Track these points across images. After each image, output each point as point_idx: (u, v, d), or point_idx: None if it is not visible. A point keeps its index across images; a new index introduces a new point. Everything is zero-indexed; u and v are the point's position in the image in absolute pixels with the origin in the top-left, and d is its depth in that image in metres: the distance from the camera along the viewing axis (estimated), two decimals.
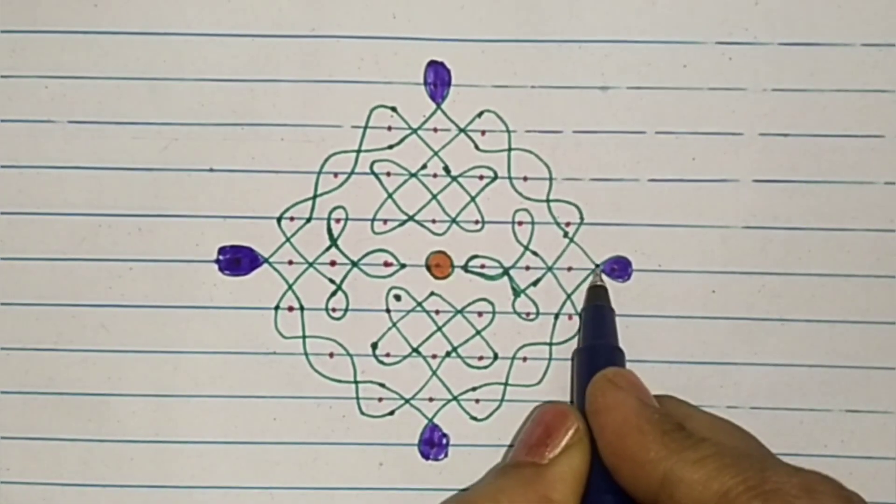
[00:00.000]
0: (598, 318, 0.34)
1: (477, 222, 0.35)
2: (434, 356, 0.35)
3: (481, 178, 0.35)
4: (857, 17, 0.34)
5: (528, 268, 0.35)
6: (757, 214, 0.35)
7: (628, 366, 0.33)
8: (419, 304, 0.35)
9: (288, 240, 0.35)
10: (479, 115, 0.35)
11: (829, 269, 0.35)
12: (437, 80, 0.35)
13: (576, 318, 0.35)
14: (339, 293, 0.35)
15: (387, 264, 0.35)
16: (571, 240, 0.35)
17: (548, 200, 0.35)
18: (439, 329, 0.35)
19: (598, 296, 0.34)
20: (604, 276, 0.34)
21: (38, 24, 0.34)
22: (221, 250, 0.35)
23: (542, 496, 0.29)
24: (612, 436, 0.29)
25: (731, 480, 0.26)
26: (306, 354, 0.35)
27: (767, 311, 0.35)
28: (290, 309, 0.35)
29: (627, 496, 0.29)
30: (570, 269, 0.35)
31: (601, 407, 0.30)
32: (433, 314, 0.35)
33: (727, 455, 0.27)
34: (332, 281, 0.35)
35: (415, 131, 0.35)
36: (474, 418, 0.35)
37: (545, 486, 0.29)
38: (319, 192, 0.35)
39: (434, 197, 0.35)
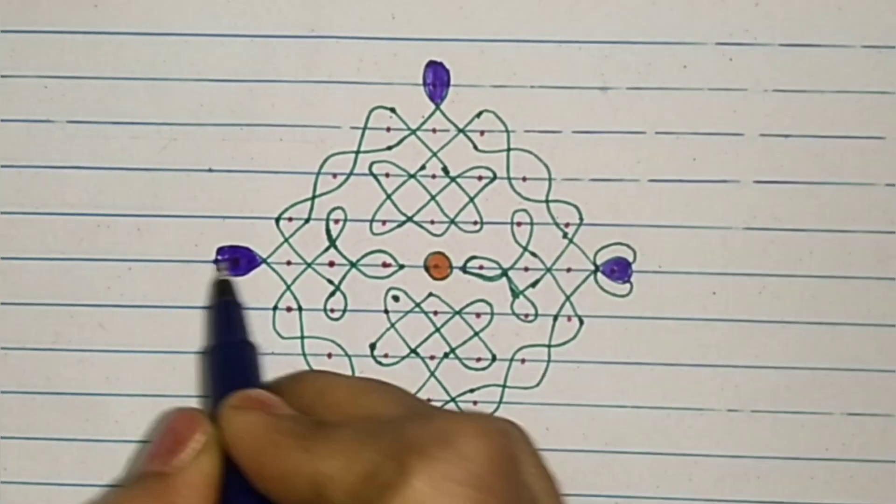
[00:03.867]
0: (223, 313, 0.33)
1: (476, 223, 0.35)
2: (432, 357, 0.35)
3: (480, 178, 0.35)
4: (857, 18, 0.34)
5: (526, 269, 0.35)
6: (757, 215, 0.35)
7: (629, 371, 0.33)
8: (417, 304, 0.35)
9: (286, 240, 0.35)
10: (478, 115, 0.35)
11: (830, 271, 0.35)
12: (437, 80, 0.35)
13: (575, 320, 0.35)
14: (338, 294, 0.35)
15: (385, 265, 0.35)
16: (571, 241, 0.35)
17: (547, 201, 0.35)
18: (437, 330, 0.35)
19: (223, 291, 0.33)
20: (226, 272, 0.34)
21: (37, 24, 0.34)
22: (220, 250, 0.35)
23: None
24: (251, 462, 0.28)
25: (372, 456, 0.25)
26: (304, 355, 0.35)
27: (768, 313, 0.35)
28: (289, 309, 0.35)
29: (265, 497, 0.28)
30: (569, 270, 0.35)
31: (232, 437, 0.28)
32: (431, 315, 0.35)
33: (365, 431, 0.26)
34: (330, 281, 0.35)
35: (413, 132, 0.35)
36: None
37: (170, 495, 0.28)
38: (318, 192, 0.35)
39: (433, 198, 0.35)
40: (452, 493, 0.24)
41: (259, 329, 0.35)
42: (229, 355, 0.32)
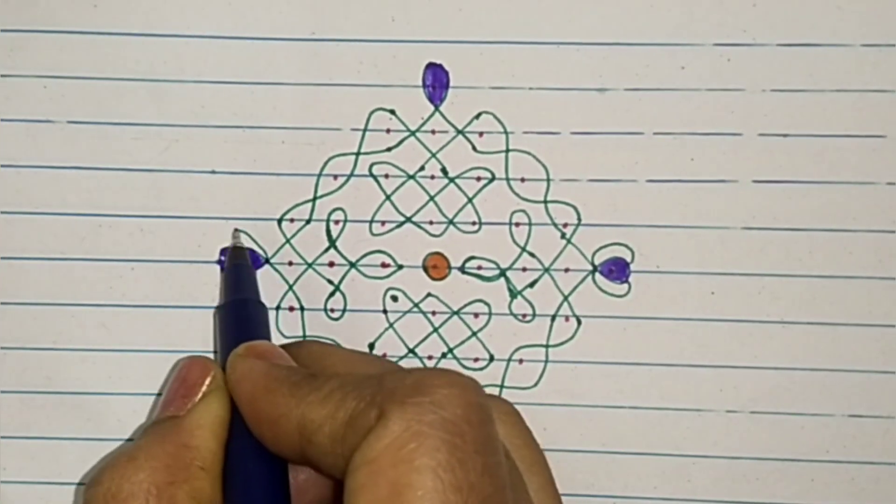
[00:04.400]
0: (235, 275, 0.34)
1: (474, 223, 0.35)
2: (430, 357, 0.35)
3: (479, 179, 0.35)
4: (856, 17, 0.34)
5: (524, 269, 0.35)
6: (756, 215, 0.34)
7: (627, 371, 0.33)
8: (416, 304, 0.35)
9: (288, 241, 0.35)
10: (477, 116, 0.35)
11: (830, 271, 0.34)
12: (436, 82, 0.35)
13: (573, 320, 0.35)
14: (338, 294, 0.35)
15: (384, 265, 0.35)
16: (569, 241, 0.35)
17: (545, 201, 0.35)
18: (436, 330, 0.35)
19: (236, 256, 0.34)
20: (242, 238, 0.35)
21: (37, 24, 0.34)
22: (223, 251, 0.35)
23: (180, 445, 0.29)
24: (247, 405, 0.29)
25: (353, 402, 0.26)
26: None
27: (767, 314, 0.35)
28: (291, 309, 0.35)
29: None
30: (567, 270, 0.35)
31: (234, 382, 0.30)
32: (430, 315, 0.35)
33: (349, 383, 0.27)
34: (330, 282, 0.35)
35: (413, 133, 0.35)
36: None
37: (183, 435, 0.29)
38: (319, 194, 0.35)
39: (432, 198, 0.35)
40: (425, 435, 0.24)
41: None
42: (240, 312, 0.33)
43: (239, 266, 0.34)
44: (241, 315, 0.33)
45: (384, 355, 0.35)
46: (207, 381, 0.30)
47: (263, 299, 0.35)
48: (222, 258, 0.35)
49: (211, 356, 0.35)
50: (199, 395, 0.30)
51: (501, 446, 0.26)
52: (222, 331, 0.33)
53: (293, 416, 0.27)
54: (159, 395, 0.35)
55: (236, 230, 0.35)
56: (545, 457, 0.31)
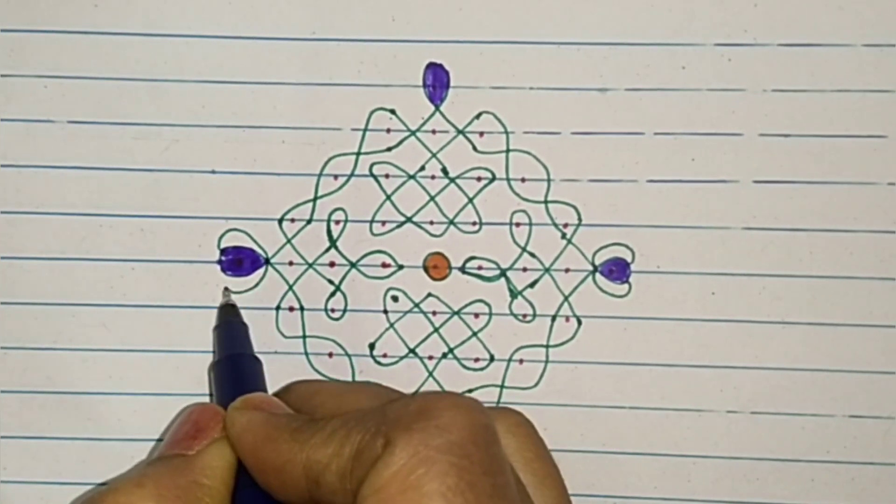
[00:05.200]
0: (227, 331, 0.34)
1: (474, 223, 0.35)
2: (431, 357, 0.35)
3: (479, 179, 0.35)
4: (857, 17, 0.34)
5: (525, 269, 0.35)
6: (757, 215, 0.34)
7: (627, 372, 0.33)
8: (416, 305, 0.35)
9: (289, 241, 0.35)
10: (478, 116, 0.35)
11: (831, 271, 0.34)
12: (436, 81, 0.35)
13: (573, 320, 0.35)
14: (338, 294, 0.35)
15: (385, 265, 0.35)
16: (569, 241, 0.35)
17: (546, 202, 0.35)
18: (436, 330, 0.35)
19: (229, 313, 0.35)
20: (233, 296, 0.35)
21: (37, 24, 0.34)
22: (224, 251, 0.35)
23: (192, 481, 0.28)
24: (250, 457, 0.29)
25: (357, 436, 0.26)
26: (307, 354, 0.35)
27: (768, 314, 0.35)
28: (291, 309, 0.35)
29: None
30: (567, 270, 0.35)
31: (234, 437, 0.29)
32: (430, 315, 0.35)
33: (352, 419, 0.27)
34: (331, 282, 0.35)
35: (413, 133, 0.35)
36: None
37: (194, 472, 0.29)
38: (320, 194, 0.35)
39: (432, 198, 0.35)
40: (432, 460, 0.24)
41: (262, 328, 0.35)
42: (234, 367, 0.33)
43: (231, 323, 0.34)
44: (236, 370, 0.33)
45: (384, 355, 0.35)
46: (219, 428, 0.30)
47: (263, 301, 0.35)
48: (222, 258, 0.35)
49: (208, 355, 0.35)
50: (210, 438, 0.30)
51: (509, 465, 0.26)
52: (219, 386, 0.33)
53: (298, 460, 0.27)
54: (161, 394, 0.35)
55: (226, 289, 0.35)
56: (558, 469, 0.31)
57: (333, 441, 0.27)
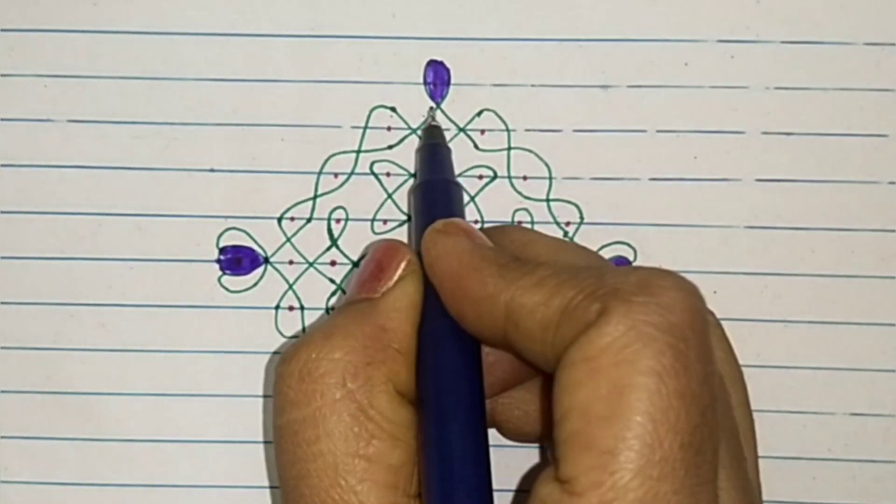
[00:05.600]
0: (432, 154, 0.33)
1: (476, 222, 0.35)
2: None
3: (481, 177, 0.35)
4: (860, 15, 0.34)
5: None
6: (759, 214, 0.34)
7: None
8: None
9: (288, 240, 0.35)
10: (479, 114, 0.35)
11: (833, 270, 0.34)
12: (437, 79, 0.35)
13: None
14: (340, 293, 0.35)
15: None
16: (571, 239, 0.35)
17: (547, 200, 0.35)
18: None
19: (432, 135, 0.34)
20: (437, 116, 0.34)
21: (37, 24, 0.34)
22: (222, 250, 0.35)
23: (377, 326, 0.28)
24: (450, 283, 0.28)
25: (570, 292, 0.25)
26: None
27: (770, 313, 0.35)
28: (291, 308, 0.35)
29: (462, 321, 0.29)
30: None
31: (434, 258, 0.29)
32: None
33: (564, 271, 0.26)
34: (332, 281, 0.35)
35: (414, 131, 0.35)
36: None
37: (380, 317, 0.28)
38: (320, 192, 0.35)
39: None
40: (649, 337, 0.24)
41: (262, 328, 0.35)
42: (435, 192, 0.32)
43: (435, 145, 0.33)
44: (439, 194, 0.32)
45: None
46: (403, 265, 0.29)
47: (263, 300, 0.35)
48: (221, 257, 0.35)
49: (207, 354, 0.35)
50: (395, 278, 0.29)
51: (715, 357, 0.26)
52: (419, 210, 0.32)
53: (501, 297, 0.27)
54: (160, 394, 0.35)
55: (431, 108, 0.34)
56: (743, 375, 0.30)
57: (543, 289, 0.26)
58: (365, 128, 0.35)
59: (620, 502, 0.23)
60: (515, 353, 0.28)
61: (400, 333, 0.28)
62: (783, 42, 0.34)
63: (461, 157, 0.35)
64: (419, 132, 0.35)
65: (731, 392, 0.29)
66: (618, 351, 0.24)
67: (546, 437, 0.31)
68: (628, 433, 0.23)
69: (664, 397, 0.23)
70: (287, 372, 0.28)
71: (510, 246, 0.30)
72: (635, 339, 0.24)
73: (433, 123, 0.34)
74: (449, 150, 0.34)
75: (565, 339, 0.25)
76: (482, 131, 0.35)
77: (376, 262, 0.30)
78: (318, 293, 0.35)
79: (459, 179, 0.35)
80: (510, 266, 0.27)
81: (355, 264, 0.35)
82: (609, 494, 0.23)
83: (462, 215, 0.32)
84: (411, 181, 0.35)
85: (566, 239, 0.34)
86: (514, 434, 0.31)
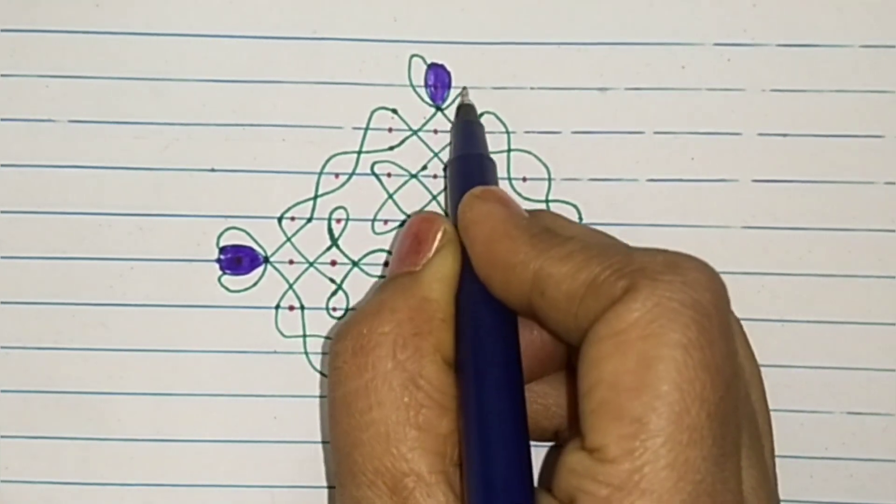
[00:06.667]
0: (467, 131, 0.34)
1: None
2: None
3: None
4: (855, 17, 0.34)
5: None
6: (756, 215, 0.35)
7: None
8: None
9: (289, 239, 0.35)
10: (479, 116, 0.35)
11: (830, 270, 0.35)
12: (438, 82, 0.35)
13: None
14: (340, 293, 0.35)
15: (387, 264, 0.35)
16: None
17: (547, 201, 0.35)
18: None
19: (467, 113, 0.34)
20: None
21: (38, 24, 0.34)
22: (223, 250, 0.35)
23: (421, 298, 0.29)
24: (481, 246, 0.29)
25: (597, 267, 0.26)
26: (307, 353, 0.35)
27: (767, 312, 0.35)
28: (291, 308, 0.35)
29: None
30: None
31: (469, 221, 0.30)
32: None
33: (594, 247, 0.27)
34: (332, 280, 0.35)
35: (415, 133, 0.35)
36: None
37: (422, 289, 0.29)
38: (320, 192, 0.35)
39: (434, 198, 0.35)
40: (676, 312, 0.25)
41: (261, 328, 0.35)
42: (470, 165, 0.33)
43: (470, 122, 0.34)
44: (474, 167, 0.33)
45: None
46: (439, 236, 0.30)
47: (263, 300, 0.35)
48: (221, 257, 0.35)
49: (207, 354, 0.35)
50: (433, 249, 0.30)
51: (732, 336, 0.26)
52: (454, 182, 0.33)
53: (531, 265, 0.27)
54: (161, 394, 0.35)
55: (465, 88, 0.35)
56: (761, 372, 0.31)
57: (571, 261, 0.27)
58: (366, 129, 0.35)
59: (651, 467, 0.24)
60: (539, 322, 0.29)
61: (443, 303, 0.29)
62: (779, 45, 0.34)
63: None
64: (454, 108, 0.35)
65: (751, 387, 0.29)
66: (645, 325, 0.25)
67: (565, 430, 0.32)
68: (657, 402, 0.24)
69: (690, 368, 0.24)
70: (341, 349, 0.29)
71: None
72: (661, 315, 0.25)
73: (466, 101, 0.35)
74: (482, 126, 0.34)
75: (590, 313, 0.26)
76: None
77: (413, 235, 0.31)
78: (318, 293, 0.35)
79: None
80: (542, 236, 0.28)
81: (355, 264, 0.35)
82: (640, 460, 0.24)
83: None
84: (412, 182, 0.35)
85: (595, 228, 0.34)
86: (532, 429, 0.32)
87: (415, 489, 0.27)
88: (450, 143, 0.35)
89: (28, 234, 0.35)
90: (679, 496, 0.24)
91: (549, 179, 0.35)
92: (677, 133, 0.35)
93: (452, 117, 0.35)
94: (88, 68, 0.35)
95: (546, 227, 0.29)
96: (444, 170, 0.35)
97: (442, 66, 0.35)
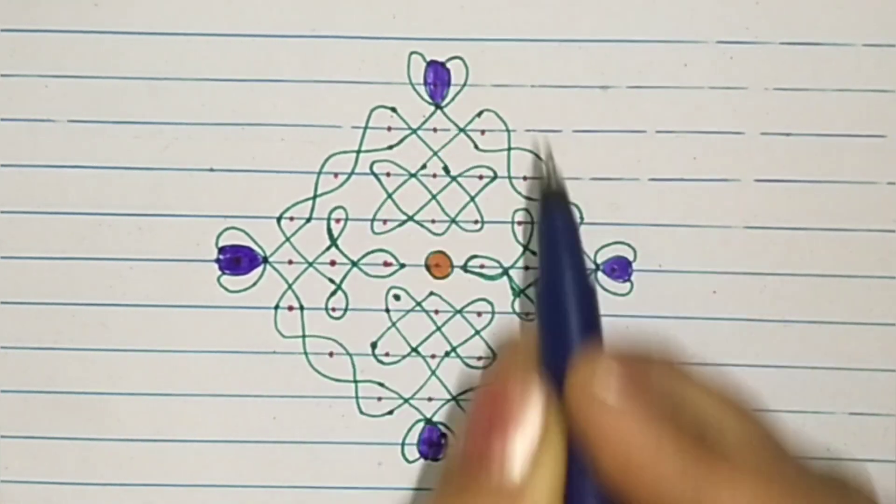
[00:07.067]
0: (560, 240, 0.27)
1: (476, 222, 0.35)
2: (433, 356, 0.35)
3: (481, 177, 0.35)
4: (858, 16, 0.34)
5: (527, 268, 0.35)
6: (758, 214, 0.35)
7: None
8: (418, 303, 0.35)
9: (288, 239, 0.35)
10: (479, 114, 0.35)
11: (832, 270, 0.35)
12: (437, 80, 0.35)
13: None
14: (339, 293, 0.35)
15: (386, 264, 0.35)
16: None
17: None
18: (438, 329, 0.35)
19: (557, 206, 0.27)
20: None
21: (38, 24, 0.34)
22: (222, 250, 0.35)
23: None
24: (615, 473, 0.24)
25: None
26: (306, 354, 0.35)
27: (769, 312, 0.35)
28: (290, 308, 0.35)
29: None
30: None
31: (592, 435, 0.24)
32: (432, 314, 0.35)
33: (763, 474, 0.23)
34: (331, 280, 0.35)
35: (414, 131, 0.35)
36: None
37: None
38: (319, 192, 0.35)
39: (434, 197, 0.35)
40: None
41: (261, 328, 0.35)
42: (571, 296, 0.26)
43: (562, 227, 0.27)
44: (572, 301, 0.26)
45: (386, 354, 0.35)
46: (539, 433, 0.24)
47: (262, 300, 0.35)
48: (220, 257, 0.35)
49: (206, 354, 0.35)
50: (531, 454, 0.24)
51: None
52: (550, 324, 0.26)
53: (685, 494, 0.23)
54: (161, 394, 0.35)
55: (549, 150, 0.28)
56: None
57: (748, 492, 0.23)
58: (365, 128, 0.35)
59: None
60: None
61: None
62: (782, 43, 0.34)
63: (461, 157, 0.35)
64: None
65: None
66: None
67: None
68: None
69: None
70: None
71: (661, 393, 0.25)
72: None
73: (554, 187, 0.27)
74: (576, 226, 0.28)
75: None
76: (482, 132, 0.35)
77: (502, 429, 0.24)
78: (317, 293, 0.35)
79: (460, 180, 0.35)
80: (698, 459, 0.23)
81: (355, 264, 0.35)
82: None
83: (600, 326, 0.27)
84: (412, 181, 0.35)
85: (715, 390, 0.27)
86: None
87: None
88: (537, 246, 0.31)
89: (28, 234, 0.35)
90: None
91: None
92: (679, 132, 0.35)
93: (453, 115, 0.35)
94: (88, 68, 0.34)
95: (695, 439, 0.24)
96: (535, 295, 0.31)
97: (441, 64, 0.35)
